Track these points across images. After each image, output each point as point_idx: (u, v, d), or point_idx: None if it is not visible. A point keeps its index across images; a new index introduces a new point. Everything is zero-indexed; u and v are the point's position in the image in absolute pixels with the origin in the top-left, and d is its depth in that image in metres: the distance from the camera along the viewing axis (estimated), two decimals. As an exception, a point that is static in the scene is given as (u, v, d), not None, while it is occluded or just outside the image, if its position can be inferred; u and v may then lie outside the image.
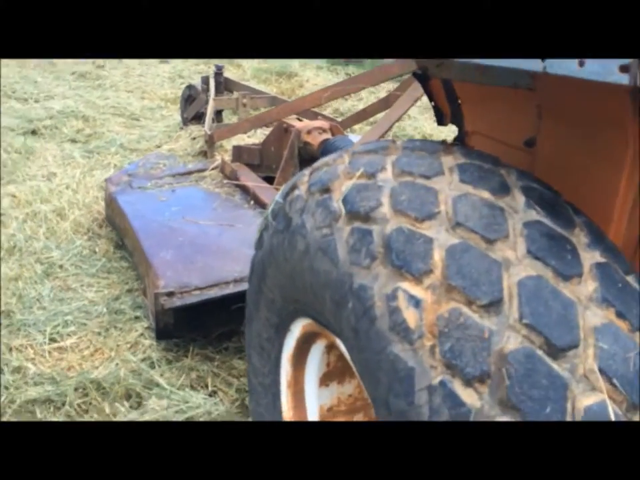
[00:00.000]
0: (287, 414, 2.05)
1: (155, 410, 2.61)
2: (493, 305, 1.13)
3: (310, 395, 2.02)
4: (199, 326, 3.17)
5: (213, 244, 3.47)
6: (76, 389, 2.87)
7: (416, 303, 1.22)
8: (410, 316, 1.22)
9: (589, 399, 1.05)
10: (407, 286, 1.25)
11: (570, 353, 1.07)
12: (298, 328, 1.89)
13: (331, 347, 1.93)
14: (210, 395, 2.79)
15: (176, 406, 2.63)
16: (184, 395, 2.73)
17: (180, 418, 2.55)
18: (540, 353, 1.08)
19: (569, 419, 1.03)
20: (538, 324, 1.09)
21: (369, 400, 1.45)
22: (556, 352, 1.08)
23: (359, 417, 2.01)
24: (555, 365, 1.07)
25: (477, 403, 1.10)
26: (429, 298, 1.21)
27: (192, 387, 2.88)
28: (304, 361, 1.99)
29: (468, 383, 1.11)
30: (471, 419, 1.10)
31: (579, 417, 1.04)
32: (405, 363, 1.21)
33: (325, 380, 2.01)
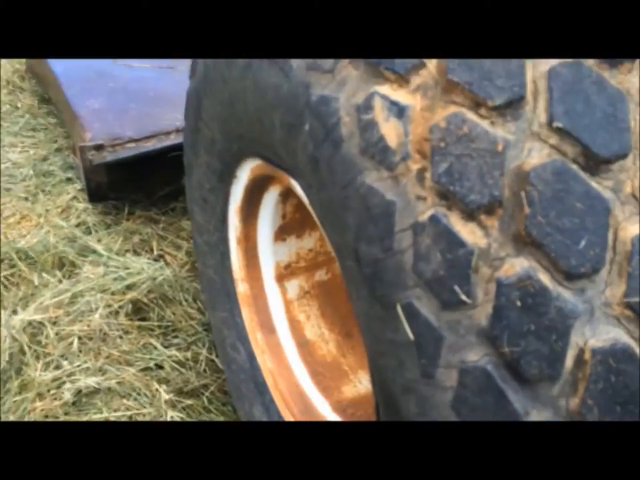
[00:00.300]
0: (238, 274, 1.77)
1: (90, 278, 2.30)
2: (511, 106, 0.80)
3: (264, 251, 1.73)
4: (139, 185, 2.78)
5: (150, 90, 2.96)
6: (1, 261, 2.52)
7: (399, 111, 0.87)
8: (390, 131, 0.88)
9: (637, 226, 0.76)
10: (387, 90, 0.89)
11: (615, 165, 0.77)
12: (245, 173, 1.54)
13: (286, 195, 1.61)
14: (155, 260, 2.49)
15: (114, 273, 2.33)
16: (124, 261, 2.42)
17: (119, 286, 2.27)
18: (575, 167, 0.77)
19: (609, 254, 0.75)
20: (574, 128, 0.77)
21: (332, 253, 1.15)
22: (596, 165, 0.77)
23: (320, 274, 1.76)
24: (594, 183, 0.77)
25: (481, 240, 0.80)
26: (419, 103, 0.86)
27: (135, 252, 2.56)
28: (255, 214, 1.68)
29: (470, 215, 0.81)
30: (473, 263, 0.80)
31: (622, 251, 0.76)
32: (382, 197, 0.90)
33: (280, 234, 1.71)
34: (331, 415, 1.59)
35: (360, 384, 1.64)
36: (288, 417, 1.66)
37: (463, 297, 0.81)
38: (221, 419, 2.00)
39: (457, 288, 0.81)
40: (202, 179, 1.72)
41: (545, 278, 0.77)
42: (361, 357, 1.68)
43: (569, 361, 0.77)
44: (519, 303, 0.77)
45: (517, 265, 0.78)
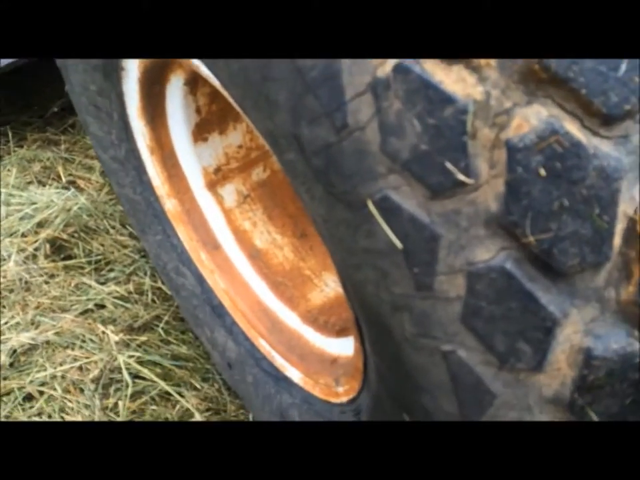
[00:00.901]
0: (162, 189, 1.48)
1: (-9, 224, 1.95)
2: None
3: (185, 157, 1.44)
4: (25, 103, 2.33)
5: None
6: None
7: None
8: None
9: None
10: None
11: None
12: (133, 61, 1.19)
13: (194, 82, 1.28)
14: (65, 188, 2.13)
15: (19, 211, 1.98)
16: (29, 196, 2.05)
17: (28, 225, 1.93)
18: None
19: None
20: None
21: (266, 146, 0.88)
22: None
23: (258, 173, 1.48)
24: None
25: (475, 90, 0.54)
26: None
27: (39, 183, 2.19)
28: (162, 113, 1.36)
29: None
30: (468, 125, 0.55)
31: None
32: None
33: (199, 133, 1.41)
34: (301, 327, 1.40)
35: (327, 287, 1.45)
36: (255, 337, 1.47)
37: (460, 177, 0.56)
38: (183, 349, 1.81)
39: (449, 165, 0.57)
40: (84, 80, 1.35)
41: (573, 128, 0.53)
42: (323, 256, 1.47)
43: (617, 239, 0.56)
44: (542, 172, 0.54)
45: (532, 117, 0.54)
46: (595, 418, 0.63)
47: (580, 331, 0.59)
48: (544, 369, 0.61)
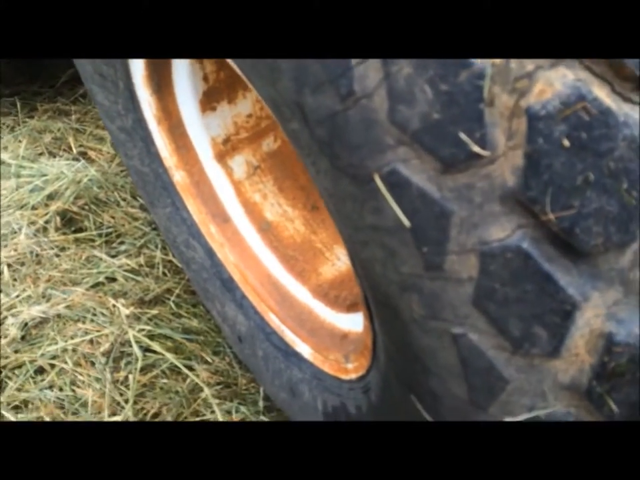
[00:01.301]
0: (170, 160, 1.44)
1: (2, 195, 1.94)
2: None
3: (193, 127, 1.40)
4: (35, 72, 2.30)
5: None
6: None
7: None
8: None
9: None
10: None
11: None
12: (137, 25, 1.14)
13: (201, 48, 1.22)
14: (75, 159, 2.11)
15: (29, 183, 1.96)
16: (39, 167, 2.04)
17: (38, 198, 1.92)
18: None
19: None
20: None
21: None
22: None
23: (268, 143, 1.43)
24: None
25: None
26: None
27: (50, 154, 2.17)
28: (168, 81, 1.31)
29: None
30: (485, 90, 0.50)
31: None
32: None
33: (208, 102, 1.36)
34: (312, 302, 1.37)
35: (339, 261, 1.42)
36: (265, 311, 1.45)
37: (475, 148, 0.52)
38: (194, 322, 1.80)
39: (463, 135, 0.52)
40: (88, 46, 1.30)
41: (602, 94, 0.48)
42: (334, 229, 1.43)
43: (647, 216, 0.51)
44: (566, 142, 0.49)
45: (557, 81, 0.49)
46: (613, 406, 0.59)
47: (601, 314, 0.55)
48: (561, 354, 0.57)
